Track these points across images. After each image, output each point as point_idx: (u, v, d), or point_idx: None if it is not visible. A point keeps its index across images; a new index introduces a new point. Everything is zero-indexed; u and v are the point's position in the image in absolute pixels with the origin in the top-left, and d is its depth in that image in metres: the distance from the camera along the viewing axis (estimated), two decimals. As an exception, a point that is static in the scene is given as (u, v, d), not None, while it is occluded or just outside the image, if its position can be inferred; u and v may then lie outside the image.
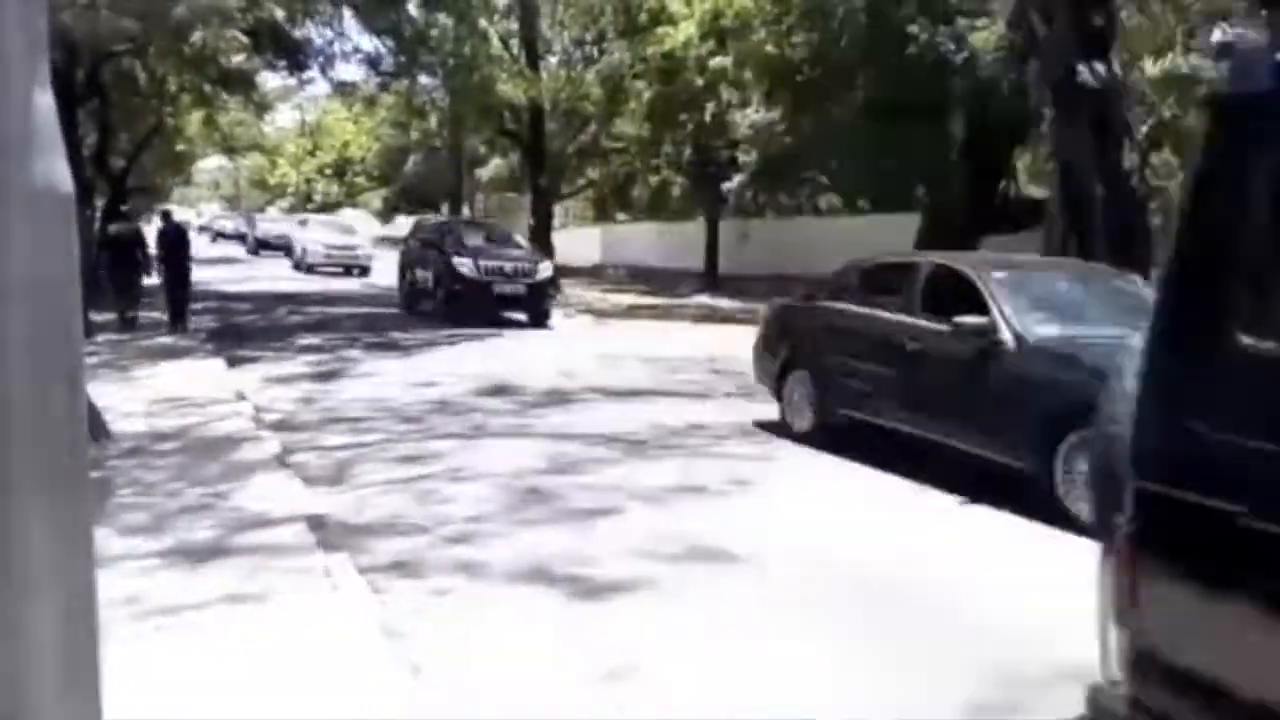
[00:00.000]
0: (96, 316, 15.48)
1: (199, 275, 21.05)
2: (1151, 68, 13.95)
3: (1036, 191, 21.66)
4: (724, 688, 4.24)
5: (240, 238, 57.94)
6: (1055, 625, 4.29)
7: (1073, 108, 12.48)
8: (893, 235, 23.31)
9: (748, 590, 5.45)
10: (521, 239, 23.89)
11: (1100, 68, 12.20)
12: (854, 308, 9.23)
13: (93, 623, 1.87)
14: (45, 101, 1.74)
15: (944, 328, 7.87)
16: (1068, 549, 5.55)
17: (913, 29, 19.43)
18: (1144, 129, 13.27)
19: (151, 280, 18.20)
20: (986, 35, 17.11)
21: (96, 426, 7.82)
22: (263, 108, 35.80)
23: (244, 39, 20.44)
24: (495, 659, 4.48)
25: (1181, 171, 13.61)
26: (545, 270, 20.73)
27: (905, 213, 24.28)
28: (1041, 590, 5.13)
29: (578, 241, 43.41)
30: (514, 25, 32.48)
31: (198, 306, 19.33)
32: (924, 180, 24.27)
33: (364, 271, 35.41)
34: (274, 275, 33.04)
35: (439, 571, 5.59)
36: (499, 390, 12.02)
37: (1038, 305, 7.84)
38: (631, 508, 6.97)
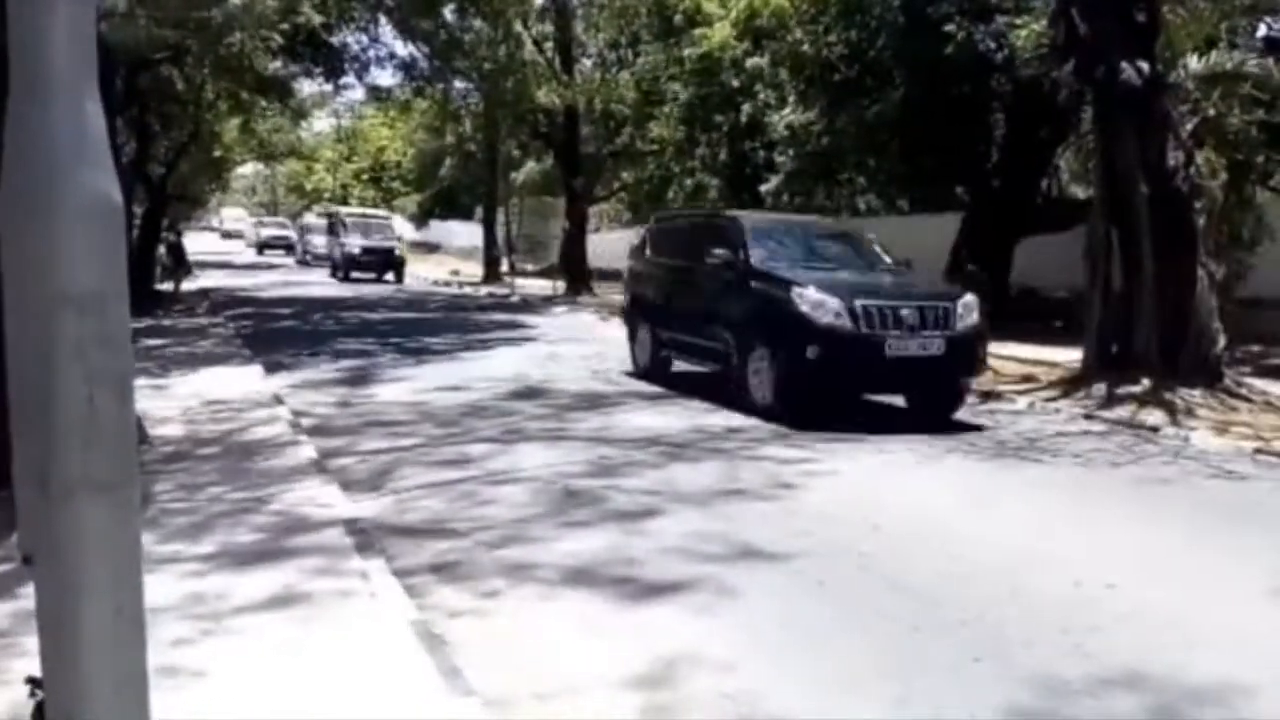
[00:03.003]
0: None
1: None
2: (1195, 64, 13.71)
3: (1079, 191, 21.42)
4: (776, 690, 4.19)
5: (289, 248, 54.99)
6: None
7: (1115, 106, 12.29)
8: (932, 235, 23.14)
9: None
10: (882, 252, 13.02)
11: (1143, 65, 12.00)
12: None
13: (140, 626, 1.91)
14: (95, 113, 1.75)
15: None
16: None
17: (950, 27, 19.24)
18: (1188, 127, 13.02)
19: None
20: (1027, 33, 16.90)
21: (137, 431, 7.86)
22: (299, 114, 36.21)
23: (280, 39, 20.56)
24: (535, 664, 4.44)
25: (1226, 171, 13.40)
26: (969, 311, 10.94)
27: (945, 213, 24.07)
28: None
29: (612, 244, 43.36)
30: (549, 28, 32.56)
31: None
32: (964, 180, 24.04)
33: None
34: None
35: (478, 575, 5.57)
36: (533, 394, 12.02)
37: None
38: (673, 509, 6.94)
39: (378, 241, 37.46)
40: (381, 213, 46.50)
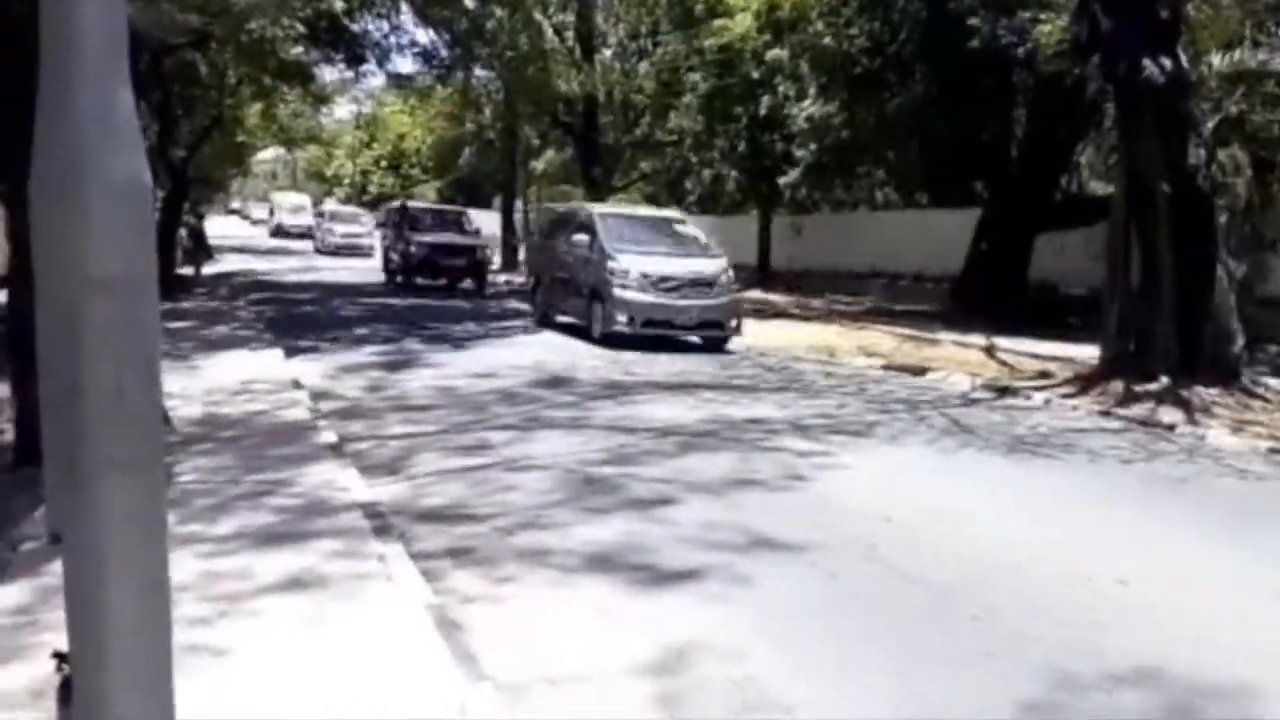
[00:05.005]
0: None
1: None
2: (1218, 62, 13.63)
3: (1099, 188, 21.32)
4: (786, 680, 4.22)
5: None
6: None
7: (1137, 103, 12.22)
8: (951, 230, 23.09)
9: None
10: None
11: (1166, 62, 11.93)
12: None
13: (166, 603, 1.92)
14: (125, 96, 1.76)
15: None
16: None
17: (973, 21, 19.16)
18: (1210, 125, 12.95)
19: None
20: (1049, 28, 16.81)
21: (159, 413, 7.91)
22: (320, 100, 36.19)
23: (301, 25, 20.59)
24: (549, 650, 4.48)
25: (1250, 169, 13.33)
26: None
27: (964, 208, 24.01)
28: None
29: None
30: (569, 17, 32.54)
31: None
32: (984, 175, 23.97)
33: None
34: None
35: (495, 560, 5.61)
36: (552, 383, 12.06)
37: None
38: (688, 499, 6.97)
39: None
40: None
